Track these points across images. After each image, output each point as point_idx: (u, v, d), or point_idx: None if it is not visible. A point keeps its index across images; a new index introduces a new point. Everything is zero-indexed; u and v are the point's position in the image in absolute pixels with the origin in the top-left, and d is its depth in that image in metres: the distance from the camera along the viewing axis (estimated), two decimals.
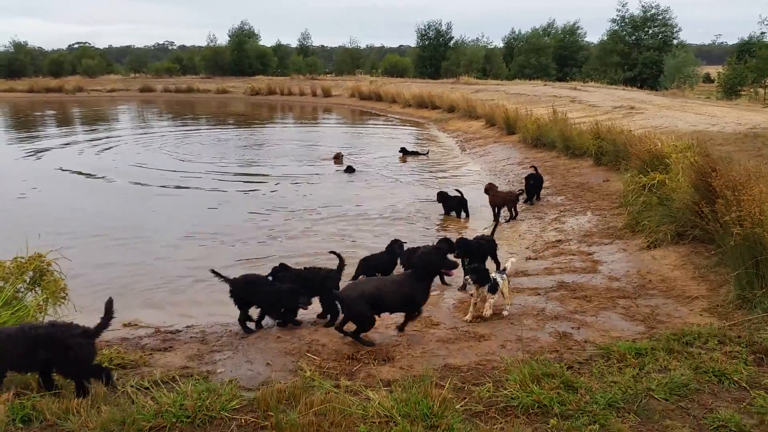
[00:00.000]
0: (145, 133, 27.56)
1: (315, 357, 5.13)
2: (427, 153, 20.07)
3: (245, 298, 6.00)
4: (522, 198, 11.95)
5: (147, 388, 4.27)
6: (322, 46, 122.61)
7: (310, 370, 4.61)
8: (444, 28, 70.60)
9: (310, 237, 10.60)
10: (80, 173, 16.80)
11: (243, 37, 74.75)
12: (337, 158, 18.32)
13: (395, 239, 8.52)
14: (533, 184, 12.37)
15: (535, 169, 12.63)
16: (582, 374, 4.54)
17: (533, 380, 4.29)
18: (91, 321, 6.01)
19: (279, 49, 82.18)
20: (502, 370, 4.67)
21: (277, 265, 6.77)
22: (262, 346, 5.39)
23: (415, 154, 19.92)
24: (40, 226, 9.35)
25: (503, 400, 4.10)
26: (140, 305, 7.40)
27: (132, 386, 4.29)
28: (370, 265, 8.06)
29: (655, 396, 4.12)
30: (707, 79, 62.38)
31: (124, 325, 6.37)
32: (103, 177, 16.28)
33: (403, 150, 19.89)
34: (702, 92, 43.19)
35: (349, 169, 16.98)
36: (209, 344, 5.54)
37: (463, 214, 11.84)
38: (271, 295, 5.91)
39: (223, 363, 5.00)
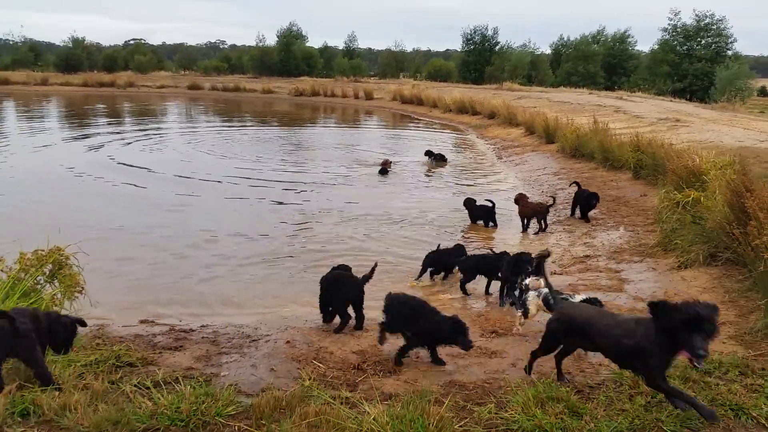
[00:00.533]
0: (189, 131, 28.16)
1: (321, 365, 5.10)
2: (446, 160, 19.73)
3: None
4: (552, 209, 11.68)
5: (148, 388, 4.30)
6: (369, 48, 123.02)
7: (309, 380, 4.57)
8: (490, 32, 70.04)
9: (332, 237, 10.63)
10: (122, 165, 17.28)
11: (291, 38, 75.73)
12: (386, 165, 17.96)
13: (458, 244, 9.00)
14: (584, 200, 11.58)
15: (578, 185, 12.08)
16: (591, 399, 4.38)
17: (537, 404, 4.16)
18: (106, 316, 6.20)
19: (325, 50, 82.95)
20: (507, 391, 4.55)
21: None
22: (270, 351, 5.39)
23: (441, 158, 19.59)
24: (69, 220, 9.61)
25: (503, 423, 3.98)
26: (161, 301, 7.54)
27: (134, 385, 4.33)
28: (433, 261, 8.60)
29: (665, 428, 3.93)
30: (762, 92, 60.18)
31: (141, 322, 6.48)
32: (145, 170, 16.69)
33: (428, 153, 19.70)
34: (755, 106, 41.69)
35: (383, 171, 17.12)
36: (219, 345, 5.57)
37: (490, 224, 11.66)
38: None
39: (228, 366, 5.02)
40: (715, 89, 47.95)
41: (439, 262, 8.68)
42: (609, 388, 4.56)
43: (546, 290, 5.62)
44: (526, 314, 6.02)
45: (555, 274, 8.62)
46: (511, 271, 7.19)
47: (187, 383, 4.42)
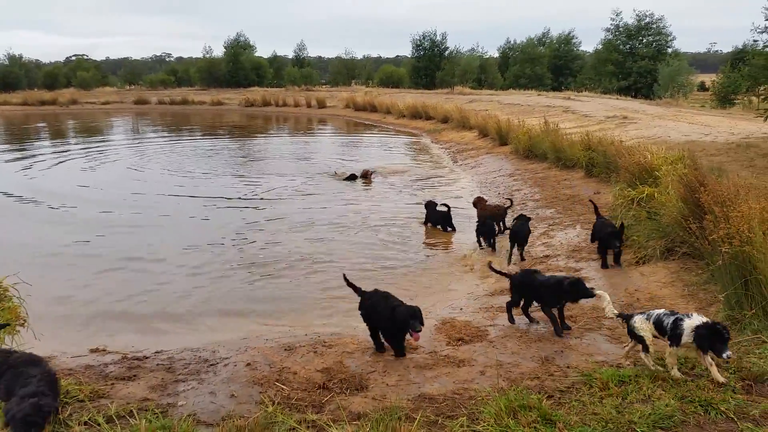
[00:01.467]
0: (136, 146, 27.36)
1: (284, 387, 4.89)
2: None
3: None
4: (510, 210, 11.70)
5: (99, 425, 4.02)
6: (319, 56, 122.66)
7: (272, 404, 4.36)
8: (439, 38, 70.70)
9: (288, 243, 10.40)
10: (65, 186, 16.60)
11: (238, 48, 74.74)
12: (366, 175, 17.62)
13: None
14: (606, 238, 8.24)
15: (596, 208, 9.33)
16: (562, 405, 4.31)
17: (509, 413, 4.06)
18: (51, 349, 5.83)
19: (275, 60, 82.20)
20: (478, 401, 4.44)
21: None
22: (229, 375, 5.15)
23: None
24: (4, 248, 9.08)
25: None
26: (111, 328, 7.19)
27: (83, 423, 4.04)
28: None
29: (638, 430, 3.89)
30: (702, 87, 62.44)
31: (91, 351, 6.11)
32: (90, 188, 16.05)
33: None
34: (696, 101, 43.17)
35: (351, 177, 17.22)
36: (175, 373, 5.28)
37: (448, 228, 11.64)
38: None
39: (185, 395, 4.75)
40: (658, 86, 49.47)
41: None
42: (580, 391, 4.51)
43: (659, 311, 4.89)
44: (646, 347, 4.84)
45: None
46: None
47: (142, 416, 4.16)
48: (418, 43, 70.94)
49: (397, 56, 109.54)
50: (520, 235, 9.37)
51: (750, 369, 4.57)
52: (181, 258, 10.08)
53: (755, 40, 19.40)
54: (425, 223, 12.02)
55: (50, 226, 12.34)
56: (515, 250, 9.47)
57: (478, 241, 10.40)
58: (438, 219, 11.71)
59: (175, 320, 7.52)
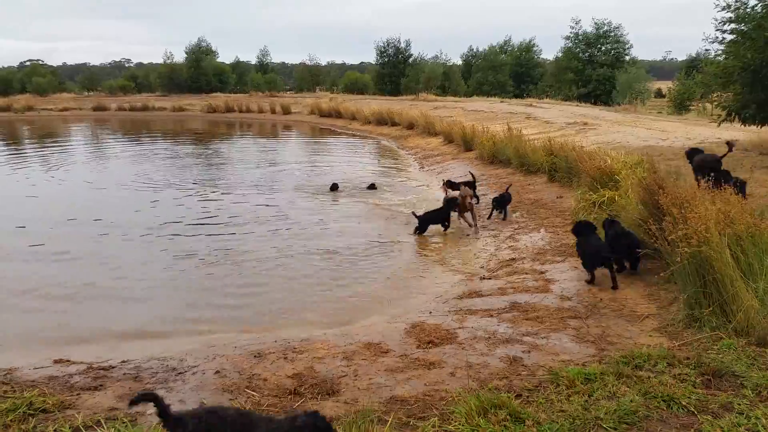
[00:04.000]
0: (94, 154, 26.79)
1: (255, 393, 4.86)
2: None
3: None
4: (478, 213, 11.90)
5: None
6: (283, 62, 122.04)
7: None
8: (403, 45, 71.13)
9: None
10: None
11: (200, 53, 73.86)
12: (334, 188, 16.94)
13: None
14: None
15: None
16: (531, 403, 4.40)
17: (480, 413, 4.13)
18: (11, 360, 5.68)
19: (238, 66, 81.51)
20: (449, 401, 4.50)
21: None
22: (198, 383, 5.09)
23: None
24: None
25: None
26: (75, 339, 7.03)
27: None
28: None
29: (604, 425, 4.00)
30: (659, 94, 64.32)
31: (55, 362, 5.96)
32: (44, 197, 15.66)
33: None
34: (654, 107, 44.49)
35: (334, 187, 16.70)
36: (143, 382, 5.20)
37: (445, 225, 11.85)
38: None
39: None
40: (617, 93, 50.79)
41: None
42: (547, 390, 4.61)
43: None
44: None
45: (484, 279, 8.74)
46: None
47: (110, 426, 4.09)
48: (383, 49, 71.25)
49: (362, 62, 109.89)
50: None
51: (709, 364, 4.74)
52: (141, 268, 9.90)
53: (707, 49, 20.16)
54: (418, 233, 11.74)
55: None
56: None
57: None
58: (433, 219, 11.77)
59: (141, 330, 7.39)
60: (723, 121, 16.05)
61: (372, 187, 16.92)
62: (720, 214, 6.02)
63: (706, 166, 9.42)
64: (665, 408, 4.21)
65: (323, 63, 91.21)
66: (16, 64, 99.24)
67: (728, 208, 6.32)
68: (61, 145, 30.53)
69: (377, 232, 12.03)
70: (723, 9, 14.45)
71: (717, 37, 15.07)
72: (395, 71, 69.56)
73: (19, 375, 5.36)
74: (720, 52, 15.46)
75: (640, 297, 6.91)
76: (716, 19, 14.78)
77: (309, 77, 78.57)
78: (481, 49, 74.53)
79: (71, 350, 6.45)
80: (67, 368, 5.75)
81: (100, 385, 5.14)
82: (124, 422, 4.23)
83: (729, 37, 14.67)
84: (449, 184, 12.89)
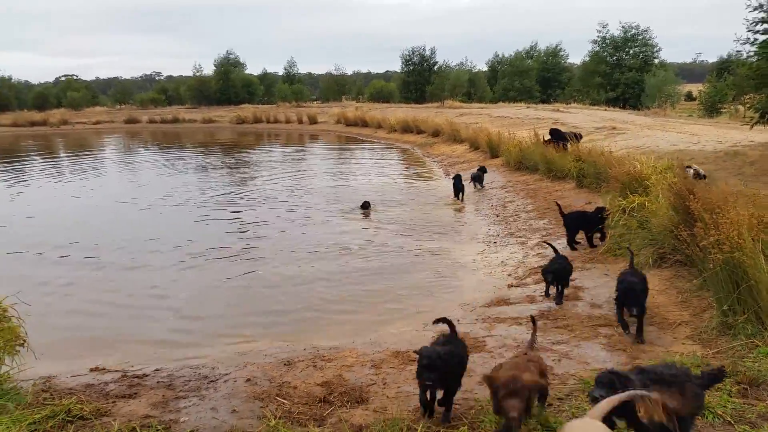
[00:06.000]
0: (127, 166, 27.36)
1: (285, 401, 4.91)
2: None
3: None
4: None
5: None
6: (309, 73, 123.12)
7: (274, 419, 4.39)
8: (428, 53, 71.27)
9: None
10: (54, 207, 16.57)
11: (228, 66, 75.11)
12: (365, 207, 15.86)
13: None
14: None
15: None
16: (561, 412, 4.36)
17: None
18: (51, 368, 5.83)
19: (265, 77, 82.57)
20: (478, 410, 4.49)
21: None
22: (230, 391, 5.17)
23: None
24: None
25: None
26: (111, 347, 7.19)
27: None
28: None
29: None
30: (689, 97, 63.23)
31: (91, 370, 6.11)
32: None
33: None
34: (684, 110, 43.75)
35: (365, 205, 15.55)
36: (176, 389, 5.30)
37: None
38: None
39: (187, 411, 4.77)
40: (646, 96, 50.07)
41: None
42: (578, 398, 4.56)
43: None
44: None
45: (512, 286, 8.69)
46: None
47: None
48: (408, 57, 71.50)
49: (387, 71, 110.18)
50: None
51: (745, 373, 4.64)
52: (176, 273, 10.11)
53: (738, 51, 19.83)
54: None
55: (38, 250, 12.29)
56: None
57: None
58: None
59: (173, 338, 7.54)
60: (756, 123, 15.71)
61: (365, 206, 15.56)
62: (753, 219, 5.90)
63: None
64: (701, 417, 4.13)
65: (349, 72, 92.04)
66: (52, 79, 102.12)
67: (761, 213, 6.19)
68: (95, 157, 31.26)
69: (403, 243, 12.06)
70: (755, 9, 14.20)
71: (749, 38, 14.81)
72: (420, 79, 69.72)
73: (57, 382, 5.51)
74: (752, 53, 15.18)
75: (673, 304, 6.79)
76: (747, 20, 14.53)
77: (335, 87, 79.16)
78: (506, 55, 74.31)
79: (106, 359, 6.60)
80: (103, 376, 5.89)
81: (135, 393, 5.25)
82: (158, 429, 4.31)
83: (761, 37, 14.40)
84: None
